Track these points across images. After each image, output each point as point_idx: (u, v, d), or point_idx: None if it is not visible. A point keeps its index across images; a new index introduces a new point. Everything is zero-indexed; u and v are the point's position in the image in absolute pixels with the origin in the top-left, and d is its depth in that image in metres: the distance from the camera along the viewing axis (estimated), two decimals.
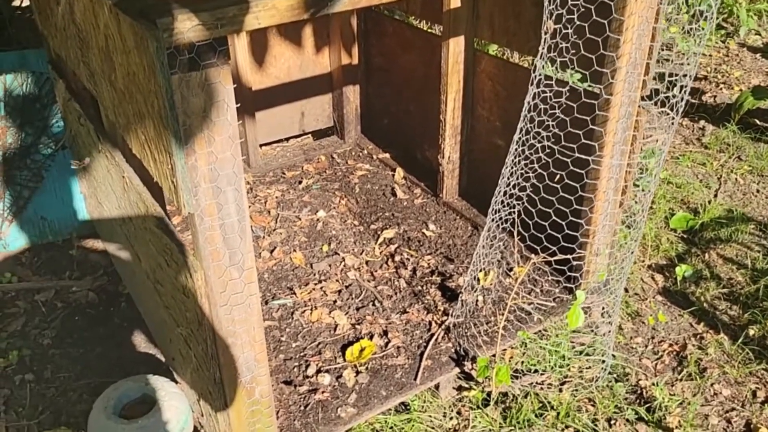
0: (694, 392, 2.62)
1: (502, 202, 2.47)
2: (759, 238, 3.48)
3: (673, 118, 2.18)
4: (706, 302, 3.07)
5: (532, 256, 2.59)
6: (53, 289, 3.12)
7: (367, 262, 3.05)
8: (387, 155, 3.93)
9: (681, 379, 2.67)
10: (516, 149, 2.28)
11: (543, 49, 2.07)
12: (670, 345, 2.85)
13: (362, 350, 2.54)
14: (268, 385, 2.02)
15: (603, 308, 2.83)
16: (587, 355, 2.68)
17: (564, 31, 2.20)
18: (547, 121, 2.32)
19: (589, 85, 2.28)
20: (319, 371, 2.47)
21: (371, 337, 2.61)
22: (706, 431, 2.46)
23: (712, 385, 2.65)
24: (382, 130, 4.08)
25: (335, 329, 2.67)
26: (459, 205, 3.41)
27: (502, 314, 2.63)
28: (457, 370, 2.51)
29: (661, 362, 2.76)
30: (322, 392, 2.38)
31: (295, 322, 2.71)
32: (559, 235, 2.52)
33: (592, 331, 2.79)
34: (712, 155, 4.26)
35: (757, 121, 4.58)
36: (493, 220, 2.49)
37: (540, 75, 2.15)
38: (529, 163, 2.37)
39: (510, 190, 2.43)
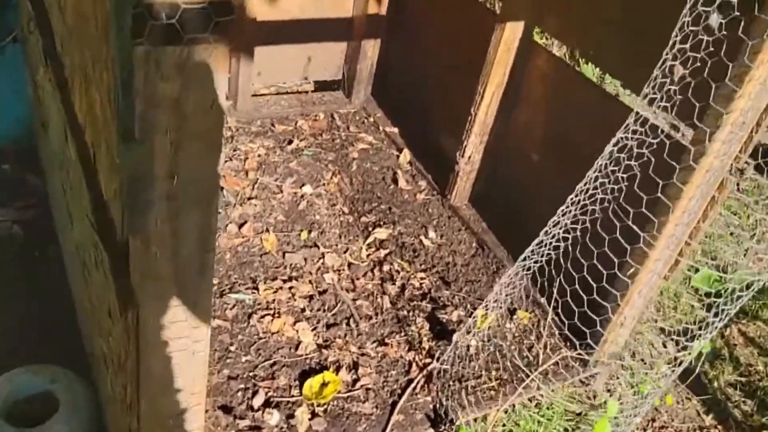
0: None
1: (533, 251, 2.01)
2: None
3: None
4: (719, 389, 2.69)
5: (545, 303, 2.14)
6: None
7: (349, 265, 2.57)
8: (395, 130, 3.39)
9: None
10: (575, 199, 1.80)
11: (648, 88, 1.56)
12: None
13: (324, 385, 2.10)
14: None
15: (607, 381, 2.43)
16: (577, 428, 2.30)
17: (671, 65, 1.69)
18: (617, 171, 1.83)
19: (683, 135, 1.79)
20: (267, 403, 2.02)
21: (338, 370, 2.17)
22: None
23: None
24: (396, 99, 3.51)
25: (297, 347, 2.21)
26: (467, 214, 2.93)
27: (497, 370, 2.21)
28: None
29: None
30: None
31: (250, 328, 2.24)
32: (585, 298, 2.08)
33: (589, 399, 2.41)
34: (749, 205, 3.83)
35: None
36: (522, 268, 2.03)
37: (638, 116, 1.65)
38: (583, 214, 1.89)
39: (548, 239, 1.96)
